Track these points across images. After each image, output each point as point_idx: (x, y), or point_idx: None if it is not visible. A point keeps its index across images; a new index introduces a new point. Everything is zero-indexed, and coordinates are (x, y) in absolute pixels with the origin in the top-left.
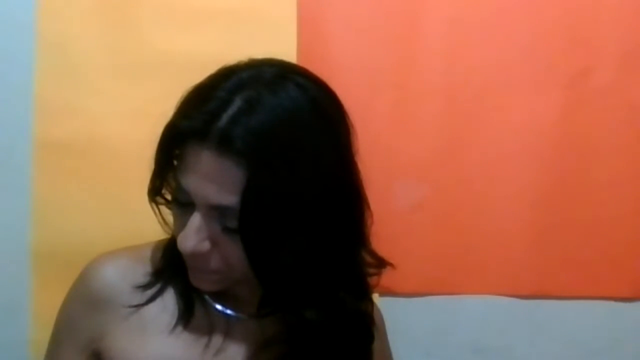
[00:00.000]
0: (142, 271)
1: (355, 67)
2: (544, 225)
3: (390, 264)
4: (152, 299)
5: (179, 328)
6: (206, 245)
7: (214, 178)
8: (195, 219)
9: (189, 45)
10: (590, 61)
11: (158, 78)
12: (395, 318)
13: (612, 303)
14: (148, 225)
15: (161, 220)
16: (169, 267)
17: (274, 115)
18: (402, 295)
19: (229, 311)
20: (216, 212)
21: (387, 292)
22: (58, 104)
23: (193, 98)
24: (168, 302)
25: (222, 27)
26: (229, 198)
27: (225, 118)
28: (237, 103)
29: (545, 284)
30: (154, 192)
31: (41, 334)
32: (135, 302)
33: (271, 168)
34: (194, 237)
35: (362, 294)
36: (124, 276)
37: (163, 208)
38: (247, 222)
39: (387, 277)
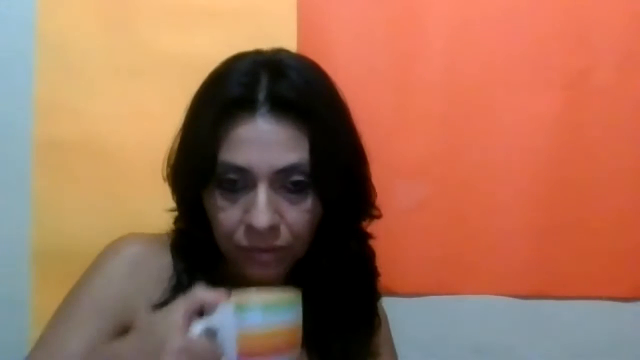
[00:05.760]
0: (166, 259)
1: (356, 67)
2: (544, 225)
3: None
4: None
5: None
6: (277, 218)
7: (275, 142)
8: (262, 194)
9: (189, 45)
10: (590, 61)
11: (158, 78)
12: (395, 318)
13: (612, 303)
14: (147, 224)
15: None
16: (192, 265)
17: (301, 69)
18: (402, 295)
19: None
20: (281, 176)
21: (387, 292)
22: (58, 104)
23: (213, 82)
24: None
25: (222, 28)
26: (295, 155)
27: (263, 84)
28: (264, 74)
29: (545, 284)
30: (201, 179)
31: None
32: (157, 297)
33: (323, 117)
34: (267, 210)
35: (364, 237)
36: (150, 255)
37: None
38: (318, 169)
39: (387, 277)
